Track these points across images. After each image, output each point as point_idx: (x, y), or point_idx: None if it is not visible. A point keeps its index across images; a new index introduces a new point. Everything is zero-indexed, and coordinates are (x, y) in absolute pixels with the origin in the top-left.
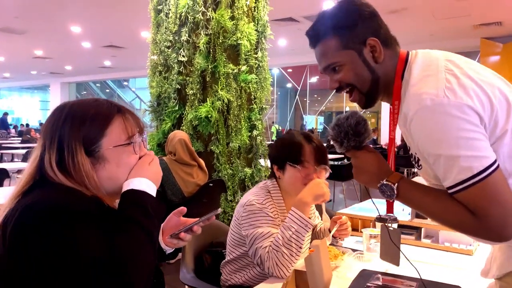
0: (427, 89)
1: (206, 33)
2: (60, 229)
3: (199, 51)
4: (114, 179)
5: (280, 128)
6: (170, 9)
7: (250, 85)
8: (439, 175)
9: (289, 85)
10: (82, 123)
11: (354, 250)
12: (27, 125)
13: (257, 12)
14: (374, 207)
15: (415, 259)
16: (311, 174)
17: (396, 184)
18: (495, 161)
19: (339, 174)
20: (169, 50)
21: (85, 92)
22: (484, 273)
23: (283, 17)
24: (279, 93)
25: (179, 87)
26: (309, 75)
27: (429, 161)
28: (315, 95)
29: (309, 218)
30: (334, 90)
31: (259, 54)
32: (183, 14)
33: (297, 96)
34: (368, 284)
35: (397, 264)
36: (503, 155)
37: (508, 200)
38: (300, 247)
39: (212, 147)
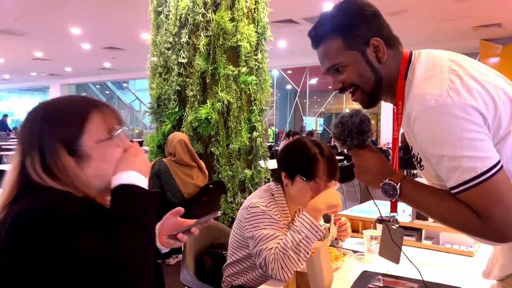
0: (430, 90)
1: (206, 34)
2: (57, 232)
3: (199, 53)
4: (101, 176)
5: (277, 130)
6: (170, 11)
7: (250, 87)
8: (442, 175)
9: (288, 87)
10: (59, 123)
11: (355, 252)
12: None
13: (257, 14)
14: (375, 208)
15: (416, 260)
16: (321, 190)
17: (399, 183)
18: (498, 162)
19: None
20: (169, 51)
21: (84, 94)
22: (485, 274)
23: (283, 18)
24: (278, 94)
25: (179, 88)
26: (309, 77)
27: (432, 161)
28: (315, 97)
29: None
30: (337, 91)
31: (259, 55)
32: (183, 15)
33: (296, 98)
34: (369, 286)
35: (397, 262)
36: (506, 156)
37: None
38: (308, 253)
39: (212, 149)
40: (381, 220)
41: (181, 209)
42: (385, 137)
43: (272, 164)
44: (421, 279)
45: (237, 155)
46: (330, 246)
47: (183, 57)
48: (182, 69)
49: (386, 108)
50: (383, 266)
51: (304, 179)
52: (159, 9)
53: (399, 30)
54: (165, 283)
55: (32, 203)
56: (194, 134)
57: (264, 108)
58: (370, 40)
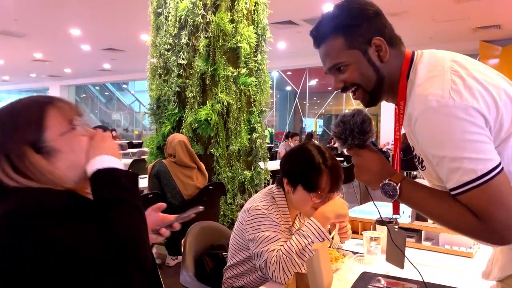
0: (432, 90)
1: (206, 36)
2: (49, 228)
3: (199, 54)
4: (74, 166)
5: (273, 131)
6: (169, 12)
7: (250, 88)
8: (442, 176)
9: (288, 88)
10: (18, 126)
11: (354, 253)
12: None
13: (256, 15)
14: (374, 209)
15: (416, 261)
16: (322, 202)
17: (399, 184)
18: (499, 164)
19: None
20: (169, 53)
21: (84, 95)
22: (485, 275)
23: (283, 20)
24: (278, 96)
25: (179, 90)
26: (309, 78)
27: (432, 162)
28: (315, 98)
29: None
30: (339, 90)
31: (259, 57)
32: (182, 17)
33: (296, 99)
34: (369, 287)
35: (401, 266)
36: (507, 158)
37: None
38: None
39: (211, 150)
40: (381, 222)
41: (162, 205)
42: (385, 138)
43: (272, 165)
44: (422, 280)
45: (237, 157)
46: (329, 247)
47: (182, 59)
48: (181, 70)
49: (386, 109)
50: (383, 267)
51: (306, 190)
52: (159, 10)
53: (399, 31)
54: (164, 285)
55: (14, 206)
56: (194, 135)
57: (263, 109)
58: (372, 39)
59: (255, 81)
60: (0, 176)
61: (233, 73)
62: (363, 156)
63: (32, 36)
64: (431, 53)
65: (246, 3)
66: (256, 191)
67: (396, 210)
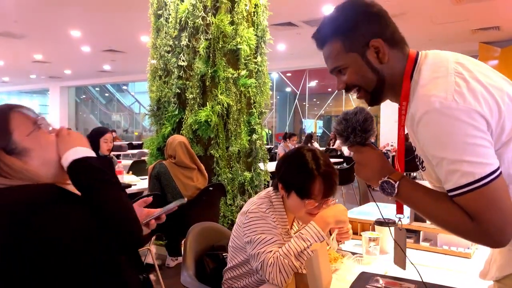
0: (436, 92)
1: (206, 38)
2: (43, 216)
3: (199, 56)
4: (47, 162)
5: (270, 132)
6: (170, 14)
7: (250, 90)
8: (440, 177)
9: (288, 89)
10: None
11: (353, 253)
12: None
13: (256, 17)
14: (373, 210)
15: (414, 262)
16: (316, 209)
17: (398, 182)
18: (497, 169)
19: (339, 178)
20: (169, 54)
21: (84, 96)
22: (482, 274)
23: (282, 21)
24: (278, 97)
25: (179, 91)
26: (308, 79)
27: (432, 162)
28: (314, 99)
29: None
30: (343, 91)
31: (259, 58)
32: (183, 19)
33: (296, 100)
34: (368, 286)
35: (403, 267)
36: (508, 161)
37: (507, 207)
38: None
39: (211, 151)
40: (380, 223)
41: (148, 199)
42: (385, 139)
43: (272, 166)
44: (420, 280)
45: (237, 158)
46: (329, 248)
47: (183, 60)
48: (182, 72)
49: (386, 110)
50: (382, 267)
51: (299, 196)
52: (159, 12)
53: None
54: (165, 285)
55: (4, 201)
56: (194, 137)
57: (263, 110)
58: (370, 41)
59: (255, 83)
60: None
61: (233, 74)
62: (364, 153)
63: (32, 37)
64: (435, 53)
65: (246, 5)
66: (256, 192)
67: (400, 210)
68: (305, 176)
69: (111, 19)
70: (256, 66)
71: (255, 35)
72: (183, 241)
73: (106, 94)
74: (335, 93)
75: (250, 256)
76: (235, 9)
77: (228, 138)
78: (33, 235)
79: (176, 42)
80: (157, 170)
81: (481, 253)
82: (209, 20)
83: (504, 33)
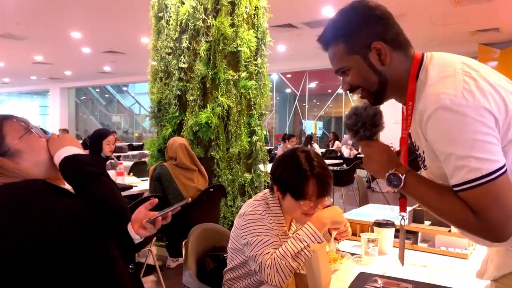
0: (445, 90)
1: (207, 40)
2: (44, 199)
3: (200, 58)
4: (38, 163)
5: (268, 133)
6: (170, 16)
7: (250, 91)
8: (447, 172)
9: (288, 91)
10: None
11: (352, 254)
12: None
13: (256, 19)
14: (372, 212)
15: (412, 262)
16: (312, 209)
17: (404, 175)
18: (503, 166)
19: (338, 180)
20: (170, 56)
21: (84, 97)
22: (479, 274)
23: (282, 23)
24: (278, 98)
25: (180, 93)
26: (308, 81)
27: (439, 158)
28: (314, 100)
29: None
30: (343, 92)
31: (259, 60)
32: (183, 21)
33: (296, 101)
34: (366, 286)
35: (402, 263)
36: None
37: (511, 204)
38: None
39: (212, 153)
40: (379, 224)
41: (154, 200)
42: (385, 139)
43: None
44: (420, 280)
45: (237, 159)
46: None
47: (183, 62)
48: (182, 74)
49: (386, 110)
50: (380, 268)
51: (294, 198)
52: (160, 14)
53: None
54: (165, 286)
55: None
56: (195, 138)
57: (263, 112)
58: (372, 44)
59: (255, 85)
60: None
61: (233, 76)
62: (372, 147)
63: (33, 39)
64: (440, 55)
65: (246, 7)
66: (256, 193)
67: (403, 208)
68: (298, 178)
69: (111, 21)
70: (256, 68)
71: (255, 37)
72: (184, 242)
73: (106, 95)
74: (335, 94)
75: (248, 258)
76: (236, 12)
77: (228, 140)
78: (25, 221)
79: (177, 44)
80: (158, 172)
81: (478, 254)
82: (210, 23)
83: (503, 34)
